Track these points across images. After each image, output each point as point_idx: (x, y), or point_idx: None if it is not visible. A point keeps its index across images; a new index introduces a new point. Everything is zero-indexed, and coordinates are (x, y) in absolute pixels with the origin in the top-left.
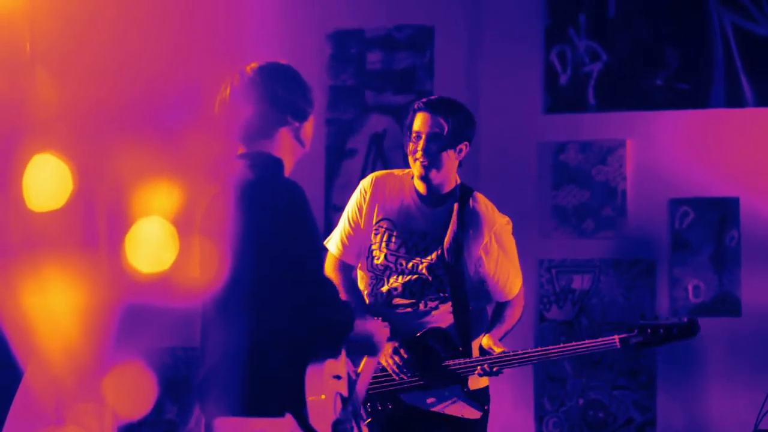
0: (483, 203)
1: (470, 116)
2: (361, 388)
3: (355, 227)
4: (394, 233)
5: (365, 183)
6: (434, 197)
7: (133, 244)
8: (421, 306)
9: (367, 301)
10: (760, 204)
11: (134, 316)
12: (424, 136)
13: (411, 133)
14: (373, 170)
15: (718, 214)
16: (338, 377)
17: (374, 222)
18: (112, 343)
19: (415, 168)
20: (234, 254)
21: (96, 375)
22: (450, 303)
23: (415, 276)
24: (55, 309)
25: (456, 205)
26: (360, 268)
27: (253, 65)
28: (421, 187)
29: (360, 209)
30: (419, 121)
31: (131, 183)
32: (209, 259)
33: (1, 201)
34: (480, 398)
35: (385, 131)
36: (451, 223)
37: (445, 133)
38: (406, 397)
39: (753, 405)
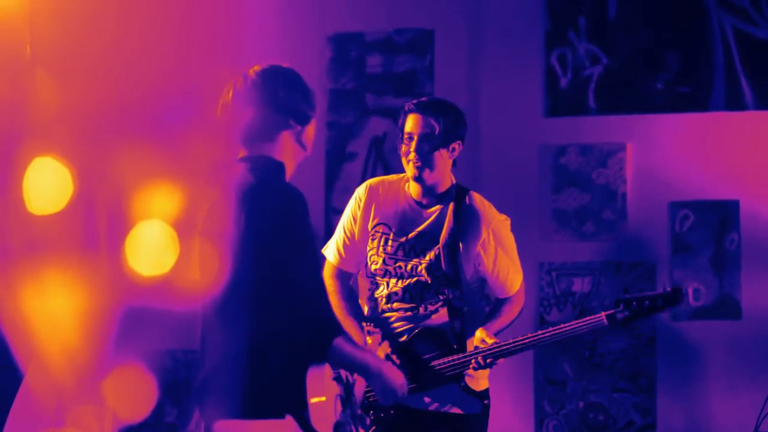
0: (479, 201)
1: (461, 115)
2: (359, 390)
3: (350, 236)
4: (391, 237)
5: (359, 191)
6: (429, 198)
7: (133, 246)
8: (421, 310)
9: (367, 306)
10: (760, 207)
11: (134, 319)
12: (416, 137)
13: (403, 135)
14: (373, 173)
15: (718, 217)
16: (339, 379)
17: (370, 228)
18: (112, 345)
19: (409, 169)
20: (233, 257)
21: (96, 377)
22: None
23: (414, 279)
24: (56, 311)
25: (452, 204)
26: (360, 276)
27: (256, 68)
28: (415, 188)
29: (355, 218)
30: (411, 123)
31: (131, 185)
32: (209, 261)
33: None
34: (478, 393)
35: (386, 134)
36: (447, 220)
37: (436, 132)
38: (406, 401)
39: (753, 407)
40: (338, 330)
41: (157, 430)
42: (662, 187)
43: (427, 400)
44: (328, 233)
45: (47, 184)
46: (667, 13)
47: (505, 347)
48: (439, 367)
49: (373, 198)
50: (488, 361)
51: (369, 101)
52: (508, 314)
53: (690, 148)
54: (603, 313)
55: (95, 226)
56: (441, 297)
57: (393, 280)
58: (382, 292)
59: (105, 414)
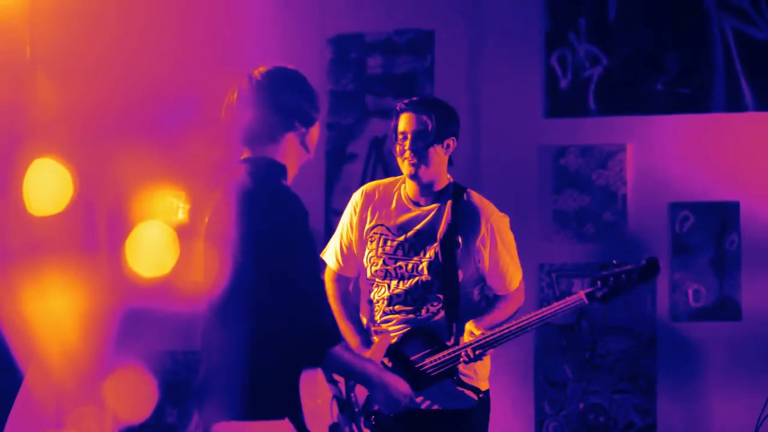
0: (478, 198)
1: (454, 112)
2: (360, 392)
3: (348, 242)
4: (389, 237)
5: (355, 197)
6: (426, 196)
7: (133, 248)
8: (423, 312)
9: (368, 310)
10: (760, 208)
11: (134, 320)
12: (410, 135)
13: (397, 135)
14: (373, 174)
15: (719, 218)
16: (334, 381)
17: (368, 231)
18: (112, 346)
19: (404, 167)
20: (232, 260)
21: (96, 378)
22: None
23: (416, 279)
24: (56, 313)
25: (450, 202)
26: (361, 280)
27: (261, 69)
28: (412, 187)
29: (352, 224)
30: (404, 122)
31: (131, 187)
32: (209, 263)
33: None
34: (474, 387)
35: (386, 136)
36: (445, 216)
37: (429, 129)
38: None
39: (753, 408)
40: (337, 338)
41: (157, 431)
42: (662, 188)
43: (418, 399)
44: (328, 234)
45: (47, 185)
46: (667, 14)
47: (491, 337)
48: (431, 365)
49: (369, 202)
50: (477, 352)
51: (369, 102)
52: (503, 310)
53: (690, 149)
54: (582, 292)
55: (95, 228)
56: (440, 296)
57: (394, 282)
58: (383, 294)
59: (105, 415)
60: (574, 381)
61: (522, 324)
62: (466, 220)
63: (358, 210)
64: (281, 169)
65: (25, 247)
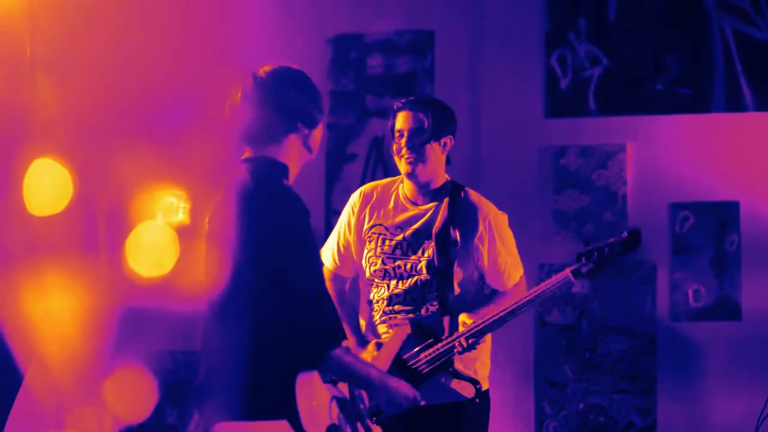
0: (475, 195)
1: (450, 111)
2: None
3: (345, 243)
4: (387, 236)
5: (353, 198)
6: (424, 195)
7: (133, 248)
8: (423, 311)
9: (368, 310)
10: (760, 208)
11: (134, 320)
12: (406, 133)
13: (394, 134)
14: (373, 174)
15: (719, 218)
16: (334, 381)
17: (367, 231)
18: (112, 346)
19: (402, 165)
20: (231, 260)
21: (96, 378)
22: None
23: (415, 279)
24: (56, 313)
25: (446, 199)
26: (360, 281)
27: (266, 68)
28: (409, 186)
29: (349, 225)
30: (400, 120)
31: (131, 187)
32: (209, 263)
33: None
34: (471, 378)
35: (386, 136)
36: (441, 213)
37: (426, 126)
38: None
39: (753, 409)
40: (338, 340)
41: (157, 431)
42: (662, 188)
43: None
44: (328, 234)
45: (47, 186)
46: (667, 15)
47: (482, 324)
48: (425, 360)
49: (367, 202)
50: (471, 341)
51: (369, 102)
52: (501, 305)
53: (690, 149)
54: (568, 270)
55: (95, 227)
56: (437, 294)
57: (393, 282)
58: (383, 294)
59: (105, 415)
60: (574, 381)
61: (512, 307)
62: (464, 218)
63: (356, 210)
64: (283, 169)
65: (25, 247)
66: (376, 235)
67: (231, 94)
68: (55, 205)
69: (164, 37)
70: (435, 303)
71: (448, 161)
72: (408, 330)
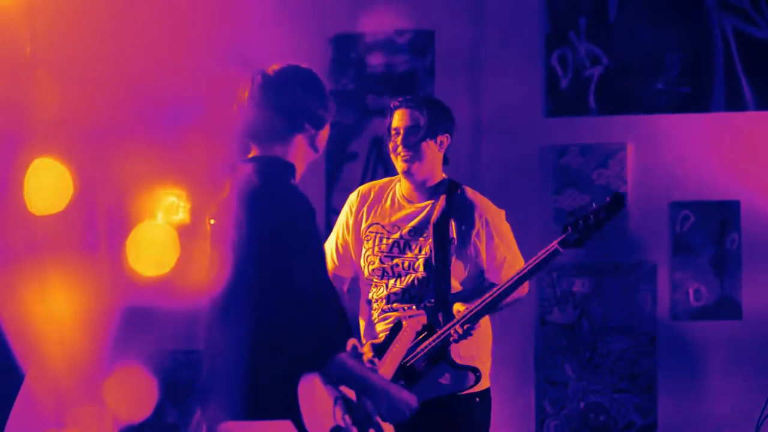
0: (471, 193)
1: (447, 109)
2: None
3: (344, 243)
4: (385, 235)
5: (351, 198)
6: (420, 193)
7: (133, 247)
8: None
9: (367, 309)
10: (760, 207)
11: (135, 319)
12: (402, 131)
13: (391, 132)
14: (374, 173)
15: (719, 218)
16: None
17: (365, 230)
18: (112, 346)
19: (398, 163)
20: (235, 259)
21: (97, 378)
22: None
23: (412, 277)
24: (56, 312)
25: (443, 197)
26: (360, 281)
27: (274, 67)
28: (406, 184)
29: (347, 225)
30: (397, 118)
31: (132, 185)
32: (214, 261)
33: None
34: (470, 366)
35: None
36: (438, 208)
37: (421, 124)
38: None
39: (754, 408)
40: (341, 344)
41: (157, 430)
42: (663, 187)
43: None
44: (329, 233)
45: (48, 185)
46: (668, 14)
47: (475, 308)
48: (422, 353)
49: (365, 201)
50: (466, 327)
51: (370, 102)
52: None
53: (690, 148)
54: (555, 241)
55: (96, 227)
56: (434, 291)
57: (392, 281)
58: (381, 293)
59: (106, 415)
60: (575, 380)
61: (504, 287)
62: (461, 215)
63: (353, 210)
64: (289, 169)
65: (26, 246)
66: (373, 234)
67: (238, 92)
68: (56, 204)
69: (164, 37)
70: (433, 300)
71: (445, 160)
72: (424, 320)
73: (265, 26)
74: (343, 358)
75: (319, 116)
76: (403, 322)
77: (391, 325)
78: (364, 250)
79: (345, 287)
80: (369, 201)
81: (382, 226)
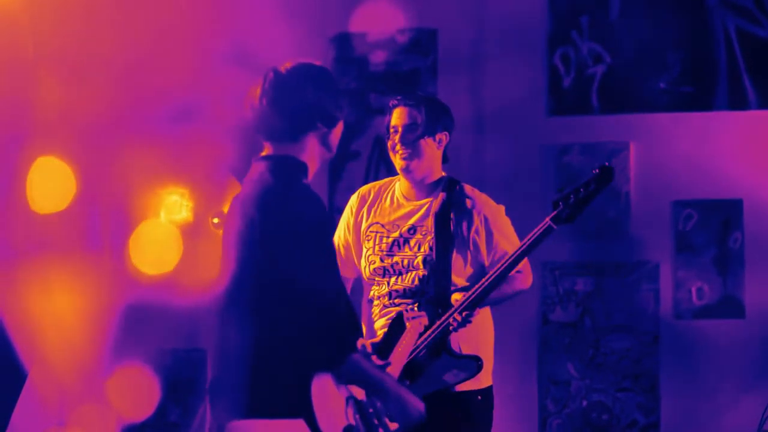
0: (470, 190)
1: (445, 107)
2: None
3: (345, 243)
4: (384, 234)
5: (351, 200)
6: (419, 191)
7: (136, 245)
8: None
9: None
10: (763, 206)
11: (137, 318)
12: (400, 129)
13: (389, 131)
14: (376, 172)
15: (722, 216)
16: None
17: (365, 230)
18: (115, 344)
19: (397, 162)
20: (246, 257)
21: (99, 376)
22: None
23: (413, 274)
24: (59, 311)
25: (442, 194)
26: (363, 282)
27: (287, 65)
28: (405, 183)
29: (348, 226)
30: (395, 116)
31: (135, 184)
32: (225, 259)
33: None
34: (472, 356)
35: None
36: (436, 205)
37: (419, 122)
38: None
39: (757, 407)
40: (353, 345)
41: (160, 429)
42: (665, 186)
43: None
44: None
45: (50, 184)
46: (670, 13)
47: (472, 294)
48: (422, 345)
49: (365, 202)
50: (464, 314)
51: (372, 101)
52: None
53: (693, 147)
54: (547, 218)
55: (99, 225)
56: (434, 288)
57: (393, 279)
58: (383, 291)
59: (108, 413)
60: (578, 379)
61: (499, 270)
62: (460, 212)
63: (354, 211)
64: (302, 168)
65: (29, 245)
66: (374, 234)
67: (251, 90)
68: (58, 203)
69: (166, 36)
70: (433, 297)
71: (445, 158)
72: (425, 321)
73: (267, 25)
74: (358, 359)
75: (332, 115)
76: (407, 324)
77: (390, 321)
78: (365, 250)
79: (348, 288)
80: (369, 201)
81: (382, 225)
